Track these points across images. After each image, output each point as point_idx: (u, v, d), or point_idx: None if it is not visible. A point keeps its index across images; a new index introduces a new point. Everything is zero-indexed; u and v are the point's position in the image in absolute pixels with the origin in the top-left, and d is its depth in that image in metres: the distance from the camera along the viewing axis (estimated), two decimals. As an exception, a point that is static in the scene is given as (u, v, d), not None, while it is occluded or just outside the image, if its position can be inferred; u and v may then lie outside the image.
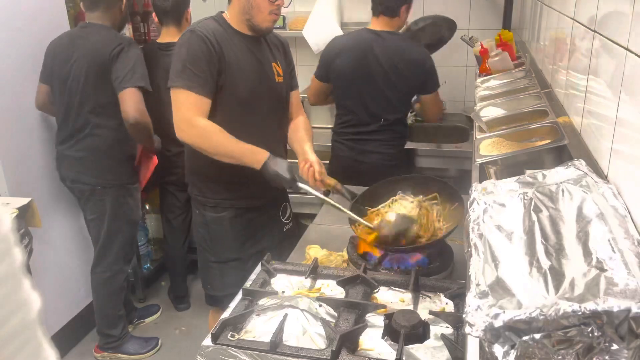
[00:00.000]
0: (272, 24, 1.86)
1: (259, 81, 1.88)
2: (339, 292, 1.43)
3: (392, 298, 1.41)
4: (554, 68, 1.75)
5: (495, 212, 0.90)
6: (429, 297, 1.41)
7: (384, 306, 1.32)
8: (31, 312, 0.37)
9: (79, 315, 2.87)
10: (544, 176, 0.97)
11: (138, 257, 3.11)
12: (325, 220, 2.09)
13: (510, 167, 1.25)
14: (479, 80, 2.14)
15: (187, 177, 2.03)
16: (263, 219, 2.03)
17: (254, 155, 1.77)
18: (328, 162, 2.64)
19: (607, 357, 0.61)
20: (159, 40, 2.80)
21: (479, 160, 1.30)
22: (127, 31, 3.04)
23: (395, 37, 2.51)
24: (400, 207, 1.71)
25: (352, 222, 1.71)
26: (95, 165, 2.46)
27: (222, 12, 1.90)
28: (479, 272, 0.76)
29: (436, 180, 1.81)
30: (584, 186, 0.88)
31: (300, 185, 1.79)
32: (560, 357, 0.63)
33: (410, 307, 1.35)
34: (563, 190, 0.89)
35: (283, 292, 1.45)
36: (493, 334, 0.65)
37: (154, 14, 2.82)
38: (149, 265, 3.34)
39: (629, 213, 0.82)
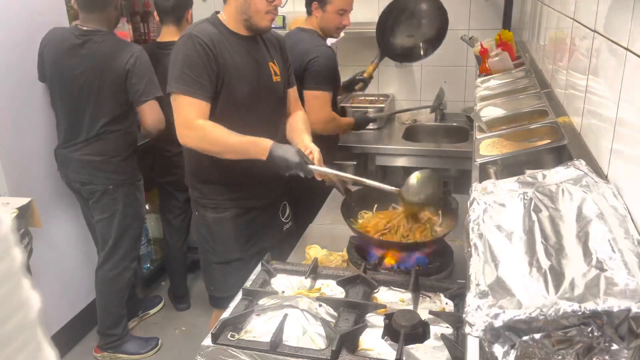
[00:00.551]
0: (271, 22, 1.85)
1: (257, 83, 1.87)
2: (339, 292, 1.43)
3: (392, 298, 1.41)
4: (554, 68, 1.75)
5: (495, 212, 0.90)
6: (429, 297, 1.41)
7: (384, 306, 1.32)
8: (31, 312, 0.37)
9: (79, 315, 2.87)
10: (544, 176, 0.97)
11: (138, 257, 3.12)
12: (325, 220, 2.09)
13: (510, 167, 1.25)
14: (479, 80, 2.14)
15: (187, 179, 2.03)
16: (264, 218, 2.04)
17: (258, 146, 1.76)
18: None
19: (607, 357, 0.61)
20: (158, 40, 2.81)
21: (479, 160, 1.30)
22: (128, 31, 3.04)
23: (301, 33, 2.55)
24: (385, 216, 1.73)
25: (347, 217, 1.72)
26: (108, 167, 2.49)
27: (217, 12, 1.89)
28: (479, 272, 0.76)
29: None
30: (584, 186, 0.88)
31: (312, 167, 1.74)
32: (560, 357, 0.63)
33: (410, 307, 1.35)
34: (563, 190, 0.89)
35: (283, 292, 1.45)
36: (493, 334, 0.65)
37: (155, 13, 2.82)
38: (149, 265, 3.34)
39: (629, 213, 0.82)
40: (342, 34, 2.67)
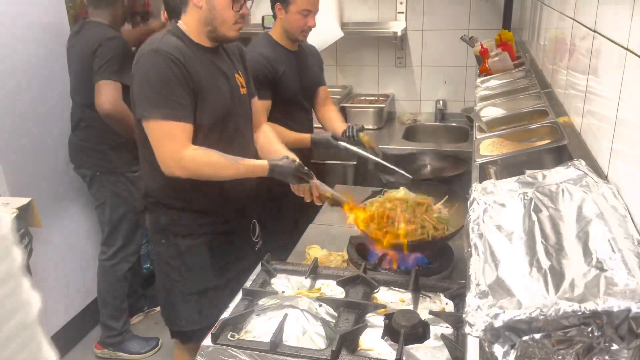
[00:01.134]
0: (238, 32, 1.72)
1: (230, 97, 1.74)
2: (339, 292, 1.43)
3: (392, 298, 1.41)
4: (554, 68, 1.75)
5: (495, 212, 0.90)
6: (429, 297, 1.41)
7: (384, 306, 1.32)
8: (31, 312, 0.37)
9: (79, 315, 2.87)
10: (544, 176, 0.97)
11: (138, 258, 3.11)
12: (325, 220, 2.09)
13: (510, 167, 1.25)
14: (479, 80, 2.14)
15: (150, 206, 1.82)
16: (237, 241, 1.91)
17: (253, 171, 1.69)
18: None
19: (607, 357, 0.61)
20: None
21: (479, 160, 1.30)
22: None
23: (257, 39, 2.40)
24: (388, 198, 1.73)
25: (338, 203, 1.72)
26: (95, 154, 2.55)
27: (176, 20, 1.73)
28: (479, 272, 0.76)
29: (433, 184, 1.83)
30: (584, 186, 0.88)
31: (313, 180, 1.71)
32: (560, 357, 0.63)
33: (410, 307, 1.35)
34: (563, 190, 0.89)
35: (283, 292, 1.45)
36: (493, 334, 0.65)
37: (163, 12, 2.82)
38: (149, 265, 3.34)
39: (629, 213, 0.82)
40: (309, 37, 2.41)
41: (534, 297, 0.67)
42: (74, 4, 2.86)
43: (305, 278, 1.49)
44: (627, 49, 0.92)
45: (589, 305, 0.61)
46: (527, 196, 0.91)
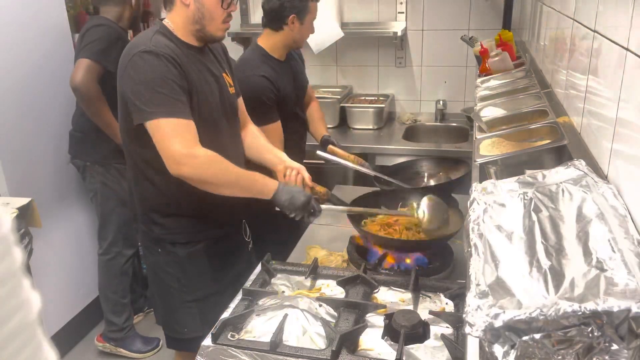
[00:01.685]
0: (225, 32, 1.69)
1: (220, 97, 1.71)
2: (339, 292, 1.43)
3: (392, 298, 1.41)
4: (554, 68, 1.75)
5: (495, 212, 0.90)
6: (429, 297, 1.41)
7: (384, 306, 1.32)
8: (31, 312, 0.37)
9: (79, 315, 2.87)
10: (544, 176, 0.97)
11: (138, 257, 3.11)
12: (325, 220, 2.09)
13: (510, 167, 1.25)
14: (479, 80, 2.14)
15: (142, 216, 1.77)
16: (232, 243, 1.89)
17: (264, 185, 1.62)
18: None
19: (607, 357, 0.61)
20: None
21: (479, 160, 1.30)
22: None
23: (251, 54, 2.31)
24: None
25: (354, 220, 1.71)
26: (84, 142, 2.57)
27: (162, 19, 1.68)
28: (479, 272, 0.76)
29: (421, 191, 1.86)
30: (584, 186, 0.88)
31: (324, 206, 1.66)
32: (560, 357, 0.63)
33: (410, 307, 1.35)
34: (563, 190, 0.89)
35: (283, 292, 1.45)
36: (493, 334, 0.65)
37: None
38: (143, 263, 3.34)
39: (629, 213, 0.82)
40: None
41: (534, 297, 0.67)
42: (74, 4, 2.86)
43: (305, 278, 1.49)
44: (627, 49, 0.92)
45: (589, 305, 0.61)
46: (527, 196, 0.91)
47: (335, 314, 1.30)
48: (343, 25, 3.33)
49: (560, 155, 1.27)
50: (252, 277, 1.51)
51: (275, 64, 2.25)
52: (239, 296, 1.41)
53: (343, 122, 3.29)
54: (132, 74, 1.55)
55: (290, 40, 2.24)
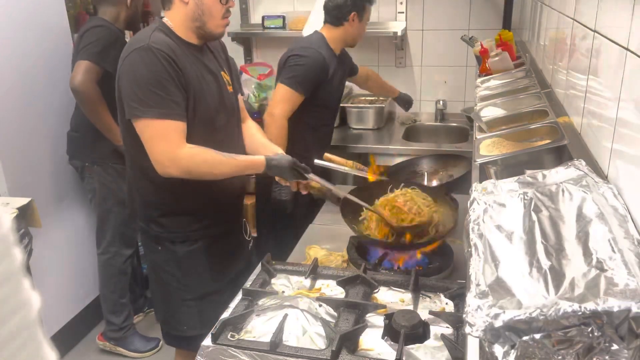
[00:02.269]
0: (225, 28, 1.71)
1: (218, 96, 1.72)
2: (339, 292, 1.43)
3: (392, 298, 1.41)
4: (554, 68, 1.75)
5: (495, 212, 0.90)
6: (429, 297, 1.41)
7: (384, 306, 1.32)
8: (31, 312, 0.37)
9: (79, 315, 2.87)
10: (544, 176, 0.97)
11: (138, 257, 3.12)
12: (325, 220, 2.09)
13: (510, 167, 1.25)
14: (479, 80, 2.14)
15: (141, 213, 1.78)
16: (232, 241, 1.90)
17: (253, 162, 1.69)
18: None
19: (607, 357, 0.61)
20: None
21: (479, 160, 1.30)
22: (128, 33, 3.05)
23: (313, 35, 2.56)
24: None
25: (350, 222, 1.71)
26: (82, 142, 2.57)
27: (161, 17, 1.69)
28: (479, 272, 0.76)
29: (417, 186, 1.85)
30: (584, 186, 0.88)
31: (311, 175, 1.72)
32: (560, 357, 0.63)
33: (410, 307, 1.35)
34: (563, 190, 0.89)
35: (283, 292, 1.45)
36: (493, 334, 0.65)
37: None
38: (144, 263, 3.34)
39: (629, 213, 0.82)
40: None
41: (534, 297, 0.67)
42: (74, 4, 2.86)
43: (305, 278, 1.49)
44: (627, 49, 0.93)
45: (589, 305, 0.61)
46: (527, 196, 0.91)
47: (335, 314, 1.30)
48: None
49: (560, 155, 1.27)
50: (252, 277, 1.51)
51: (332, 53, 2.51)
52: (239, 296, 1.41)
53: (343, 122, 3.28)
54: (128, 70, 1.56)
55: (349, 36, 2.52)
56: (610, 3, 1.08)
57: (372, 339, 1.21)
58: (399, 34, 3.19)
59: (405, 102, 3.17)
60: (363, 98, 3.46)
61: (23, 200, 1.87)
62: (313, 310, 1.28)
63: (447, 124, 3.37)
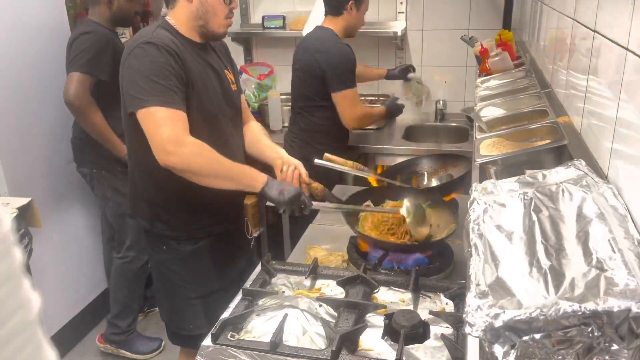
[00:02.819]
0: (227, 28, 1.71)
1: (221, 93, 1.73)
2: (339, 292, 1.43)
3: (392, 298, 1.41)
4: (554, 68, 1.75)
5: (495, 212, 0.90)
6: (429, 297, 1.41)
7: (384, 306, 1.32)
8: (31, 312, 0.37)
9: (79, 315, 2.87)
10: (544, 176, 0.97)
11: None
12: (325, 220, 2.09)
13: (510, 167, 1.25)
14: (479, 80, 2.14)
15: (143, 211, 1.78)
16: (235, 239, 1.91)
17: (253, 178, 1.61)
18: None
19: (607, 357, 0.61)
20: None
21: (479, 160, 1.30)
22: (127, 30, 3.05)
23: (320, 32, 2.64)
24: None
25: (350, 222, 1.71)
26: (88, 149, 2.54)
27: (164, 16, 1.71)
28: (479, 272, 0.76)
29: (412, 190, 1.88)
30: (584, 186, 0.88)
31: (315, 203, 1.65)
32: (560, 357, 0.63)
33: (410, 307, 1.35)
34: (563, 190, 0.89)
35: (283, 292, 1.45)
36: (493, 334, 0.65)
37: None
38: (149, 265, 3.34)
39: (629, 213, 0.82)
40: None
41: (534, 297, 0.67)
42: (74, 4, 2.86)
43: (305, 278, 1.49)
44: (627, 49, 0.92)
45: (589, 305, 0.61)
46: (527, 196, 0.91)
47: (335, 314, 1.30)
48: (343, 25, 3.32)
49: (560, 155, 1.27)
50: (252, 277, 1.51)
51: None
52: (239, 296, 1.41)
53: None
54: (131, 63, 1.56)
55: (349, 26, 2.62)
56: (610, 3, 1.08)
57: (372, 339, 1.21)
58: (399, 33, 3.19)
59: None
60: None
61: (23, 200, 1.87)
62: (313, 310, 1.28)
63: (447, 124, 3.37)
